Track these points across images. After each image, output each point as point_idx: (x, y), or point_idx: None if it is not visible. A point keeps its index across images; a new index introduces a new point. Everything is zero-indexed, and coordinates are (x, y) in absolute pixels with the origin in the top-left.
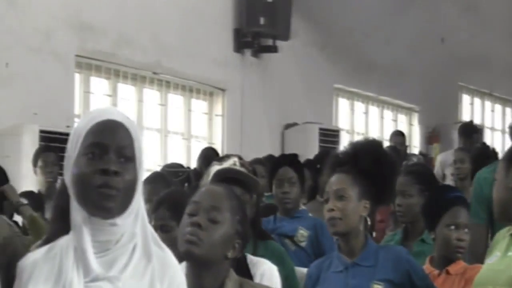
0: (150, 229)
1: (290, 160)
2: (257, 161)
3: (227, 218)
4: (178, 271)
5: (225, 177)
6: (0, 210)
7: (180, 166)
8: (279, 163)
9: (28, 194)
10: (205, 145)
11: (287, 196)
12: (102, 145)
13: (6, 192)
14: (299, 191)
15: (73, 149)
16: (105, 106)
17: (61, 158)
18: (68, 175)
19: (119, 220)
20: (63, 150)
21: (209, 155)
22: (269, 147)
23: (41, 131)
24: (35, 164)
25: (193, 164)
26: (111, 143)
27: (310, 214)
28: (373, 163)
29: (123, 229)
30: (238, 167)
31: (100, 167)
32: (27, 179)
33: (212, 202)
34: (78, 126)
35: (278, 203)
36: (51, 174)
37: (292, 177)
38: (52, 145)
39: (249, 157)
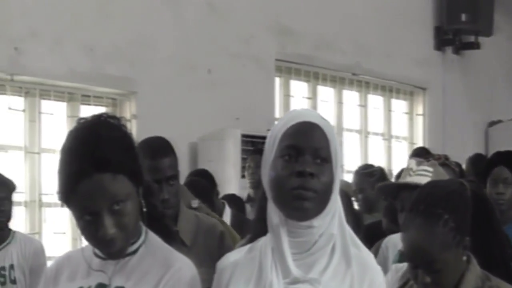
0: (348, 230)
1: (507, 159)
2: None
3: None
4: (377, 272)
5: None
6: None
7: (371, 166)
8: (495, 162)
9: (229, 198)
10: (405, 145)
11: (502, 197)
12: (298, 148)
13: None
14: None
15: (269, 152)
16: (300, 108)
17: None
18: (265, 178)
19: (315, 222)
20: None
21: (420, 155)
22: (472, 146)
23: (243, 136)
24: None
25: (394, 165)
26: (306, 145)
27: None
28: None
29: (320, 231)
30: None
31: (296, 169)
32: (230, 183)
33: None
34: (274, 129)
35: None
36: (252, 175)
37: (507, 177)
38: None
39: (452, 156)
